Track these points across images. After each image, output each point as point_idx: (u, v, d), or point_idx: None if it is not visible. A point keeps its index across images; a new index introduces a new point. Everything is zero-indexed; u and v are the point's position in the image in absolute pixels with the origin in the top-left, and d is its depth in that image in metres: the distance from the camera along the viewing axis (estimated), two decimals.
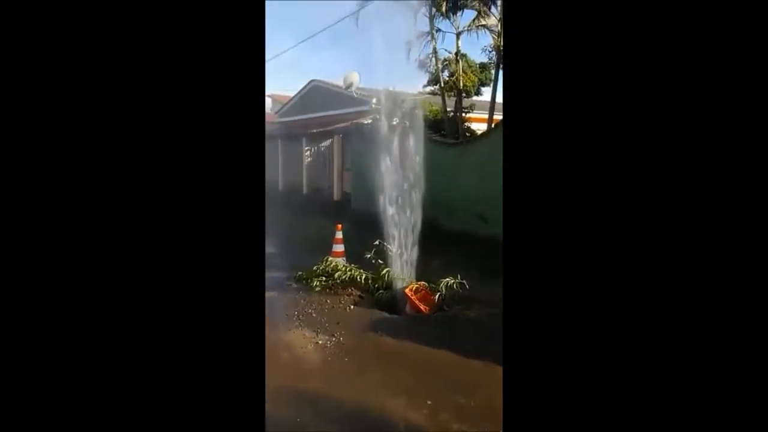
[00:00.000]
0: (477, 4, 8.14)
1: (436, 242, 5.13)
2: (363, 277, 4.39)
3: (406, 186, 4.57)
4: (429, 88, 10.72)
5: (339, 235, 5.24)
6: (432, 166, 4.87)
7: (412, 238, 4.46)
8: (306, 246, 6.19)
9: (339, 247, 5.15)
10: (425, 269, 4.42)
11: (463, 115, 9.10)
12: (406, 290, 3.97)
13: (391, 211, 4.51)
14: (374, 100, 9.34)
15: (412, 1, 7.77)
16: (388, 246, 4.42)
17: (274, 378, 2.73)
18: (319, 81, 12.89)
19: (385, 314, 3.88)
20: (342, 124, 10.33)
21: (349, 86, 10.71)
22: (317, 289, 4.40)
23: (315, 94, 13.01)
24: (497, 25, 8.11)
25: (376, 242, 4.46)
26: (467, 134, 8.83)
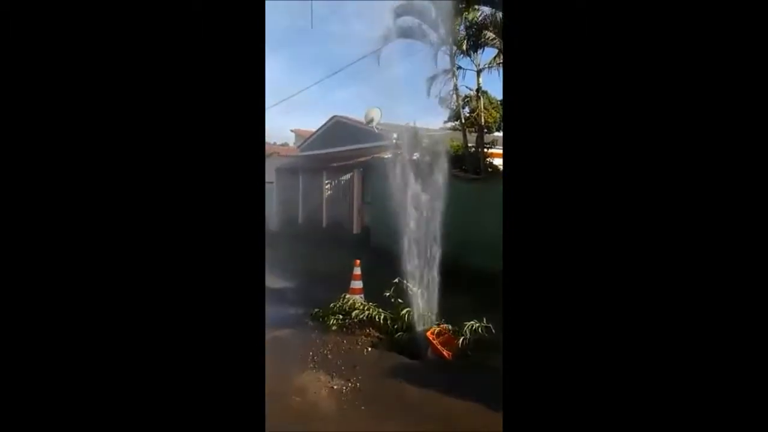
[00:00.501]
0: (497, 42, 8.23)
1: (460, 281, 4.92)
2: (382, 316, 4.19)
3: (427, 221, 4.43)
4: (450, 124, 10.77)
5: (357, 271, 5.09)
6: (454, 201, 4.73)
7: (434, 276, 4.26)
8: (324, 281, 6.04)
9: (357, 284, 4.99)
10: (448, 310, 4.19)
11: (485, 150, 9.02)
12: (428, 333, 3.74)
13: (411, 246, 4.35)
14: (395, 135, 9.39)
15: (433, 40, 7.92)
16: (408, 284, 4.23)
17: (283, 425, 2.55)
18: (341, 116, 13.14)
19: (405, 359, 3.65)
20: (362, 159, 10.39)
21: (370, 122, 10.84)
22: (334, 327, 4.22)
23: (337, 129, 13.24)
24: None
25: (396, 280, 4.28)
26: (489, 169, 8.72)
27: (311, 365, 3.47)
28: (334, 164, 11.49)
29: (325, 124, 13.87)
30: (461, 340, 3.68)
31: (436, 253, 4.36)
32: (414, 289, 4.19)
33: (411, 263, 4.30)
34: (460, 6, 7.66)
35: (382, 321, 4.17)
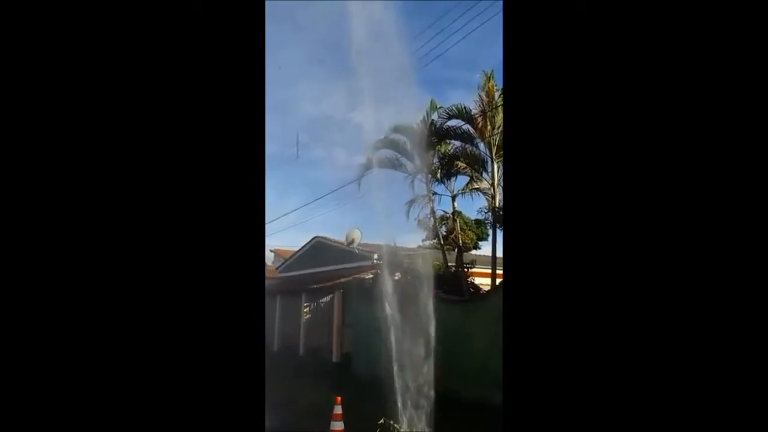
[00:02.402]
0: (469, 171, 8.90)
1: (451, 415, 4.46)
2: None
3: (412, 347, 4.17)
4: (428, 242, 11.00)
5: (338, 410, 4.57)
6: (439, 324, 4.54)
7: (424, 412, 3.85)
8: (301, 416, 5.39)
9: (338, 425, 4.44)
10: None
11: (466, 270, 9.10)
12: None
13: (397, 377, 4.00)
14: (376, 256, 9.45)
15: (409, 169, 8.53)
16: (396, 425, 3.78)
17: None
18: (322, 237, 13.33)
19: None
20: (343, 279, 10.26)
21: (351, 242, 11.00)
22: None
23: (317, 249, 13.31)
24: (490, 188, 8.71)
25: (381, 420, 3.83)
26: (471, 289, 8.67)
27: None
28: (314, 285, 11.27)
29: (306, 244, 13.97)
30: None
31: (424, 382, 4.02)
32: (402, 429, 3.73)
33: (397, 397, 3.92)
34: (433, 140, 8.43)
35: None
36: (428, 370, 4.06)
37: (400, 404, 3.88)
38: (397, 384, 3.96)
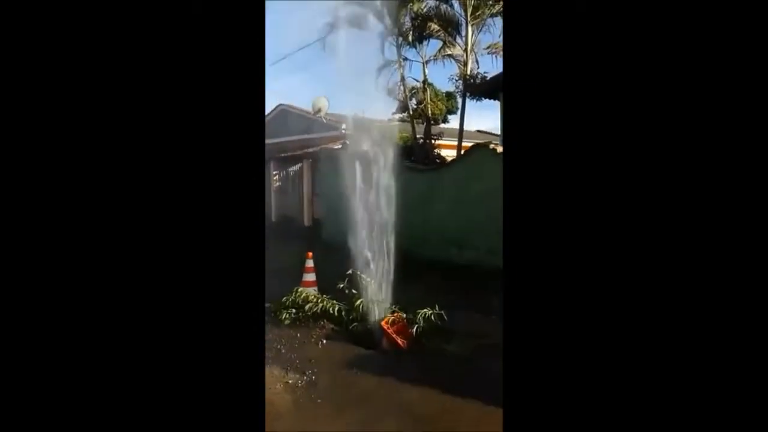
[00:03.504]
0: (442, 34, 8.36)
1: (412, 270, 5.00)
2: (336, 308, 4.18)
3: (378, 212, 4.45)
4: (398, 116, 10.81)
5: (309, 263, 5.02)
6: (404, 191, 4.79)
7: (387, 267, 4.30)
8: (276, 275, 5.90)
9: (310, 277, 4.92)
10: (401, 299, 4.26)
11: (433, 141, 9.20)
12: (382, 323, 3.78)
13: (363, 238, 4.35)
14: (344, 126, 9.30)
15: (379, 30, 7.90)
16: (362, 275, 4.24)
17: None
18: (287, 105, 12.78)
19: (361, 349, 3.67)
20: (311, 149, 10.21)
21: (317, 111, 10.65)
22: (286, 322, 4.15)
23: (283, 118, 12.86)
24: (462, 55, 8.33)
25: (349, 271, 4.27)
26: (437, 160, 8.90)
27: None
28: (282, 155, 11.20)
29: (270, 112, 13.43)
30: (415, 328, 3.76)
31: (388, 243, 4.40)
32: (367, 279, 4.20)
33: (363, 255, 4.31)
34: None
35: (336, 313, 4.16)
36: (391, 232, 4.41)
37: (363, 261, 4.29)
38: (363, 245, 4.32)
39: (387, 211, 4.44)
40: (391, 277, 4.30)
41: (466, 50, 8.15)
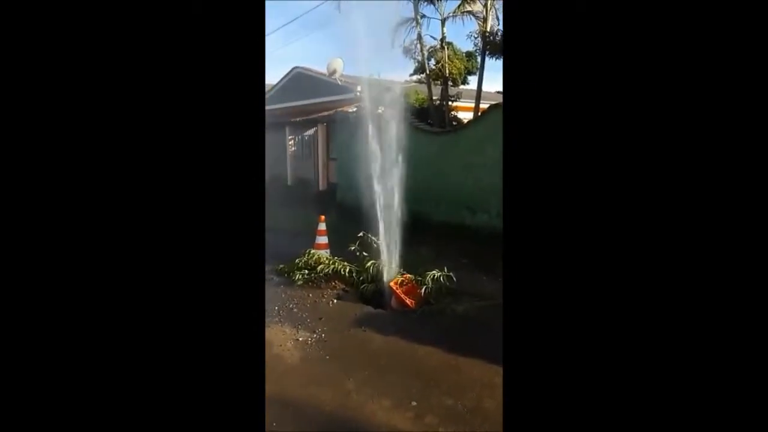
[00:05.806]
0: None
1: (423, 233, 5.01)
2: (347, 270, 4.24)
3: (392, 176, 4.41)
4: (415, 77, 10.49)
5: (322, 226, 5.07)
6: (418, 155, 4.72)
7: (398, 229, 4.31)
8: (290, 237, 6.00)
9: (322, 239, 4.99)
10: (411, 261, 4.29)
11: (450, 103, 8.93)
12: (392, 283, 3.83)
13: (376, 201, 4.35)
14: (359, 88, 9.10)
15: None
16: (373, 237, 4.26)
17: None
18: (302, 68, 12.55)
19: (370, 309, 3.75)
20: (326, 113, 10.08)
21: (332, 73, 10.43)
22: (299, 282, 4.24)
23: (298, 81, 12.68)
24: (482, 11, 7.92)
25: (361, 233, 4.30)
26: (453, 123, 8.68)
27: (276, 319, 3.51)
28: (297, 119, 11.11)
29: (285, 76, 13.24)
30: (423, 289, 3.80)
31: (401, 206, 4.39)
32: (378, 242, 4.23)
33: (376, 218, 4.32)
34: None
35: (347, 274, 4.22)
36: (404, 195, 4.39)
37: (375, 224, 4.30)
38: (376, 207, 4.32)
39: (400, 175, 4.41)
40: (403, 239, 4.31)
41: (486, 5, 7.75)
